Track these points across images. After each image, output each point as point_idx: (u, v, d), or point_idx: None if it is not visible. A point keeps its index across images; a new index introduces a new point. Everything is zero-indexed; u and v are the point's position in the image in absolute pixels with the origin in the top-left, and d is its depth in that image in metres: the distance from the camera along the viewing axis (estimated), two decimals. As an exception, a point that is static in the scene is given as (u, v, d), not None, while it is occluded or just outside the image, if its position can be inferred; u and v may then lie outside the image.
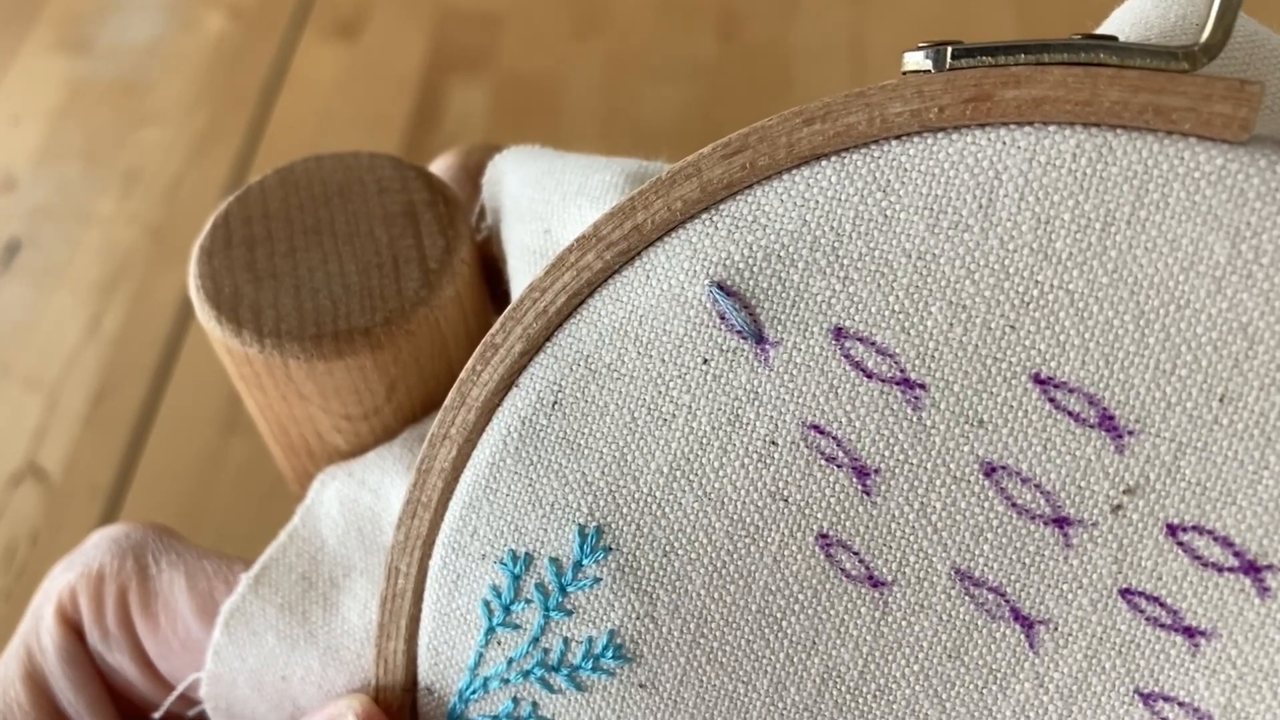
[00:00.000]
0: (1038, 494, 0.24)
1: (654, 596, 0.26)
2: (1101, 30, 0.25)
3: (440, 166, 0.34)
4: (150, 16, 0.72)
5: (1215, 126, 0.21)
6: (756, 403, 0.25)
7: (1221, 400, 0.22)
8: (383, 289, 0.29)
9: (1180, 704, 0.24)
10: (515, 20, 0.70)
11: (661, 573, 0.26)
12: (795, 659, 0.26)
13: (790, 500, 0.25)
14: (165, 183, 0.64)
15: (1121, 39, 0.24)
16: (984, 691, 0.25)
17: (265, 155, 0.65)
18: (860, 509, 0.25)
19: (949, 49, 0.22)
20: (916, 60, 0.23)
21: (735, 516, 0.25)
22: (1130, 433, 0.23)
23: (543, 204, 0.29)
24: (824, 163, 0.23)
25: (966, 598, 0.25)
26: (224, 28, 0.71)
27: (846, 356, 0.24)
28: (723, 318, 0.24)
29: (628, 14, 0.70)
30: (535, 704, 0.27)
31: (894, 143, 0.23)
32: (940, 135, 0.23)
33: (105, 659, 0.30)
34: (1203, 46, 0.21)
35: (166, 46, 0.71)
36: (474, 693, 0.27)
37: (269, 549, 0.29)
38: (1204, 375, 0.22)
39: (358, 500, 0.30)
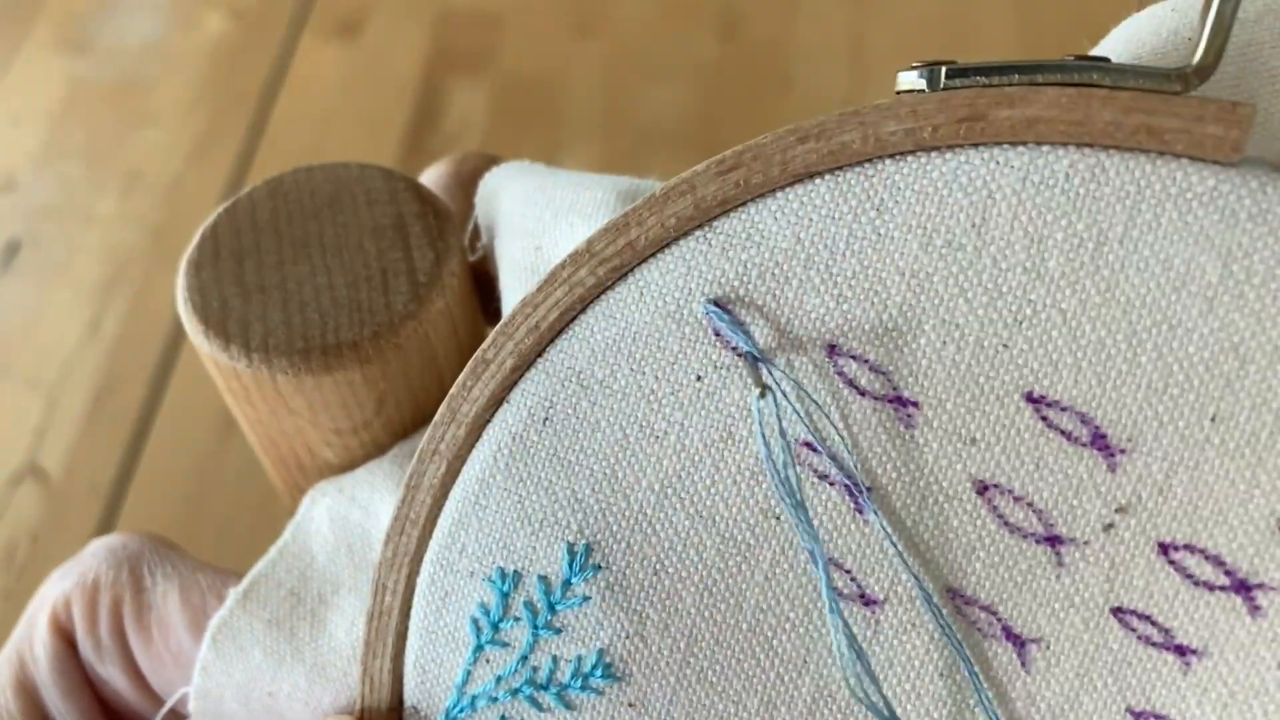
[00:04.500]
0: (1030, 512, 0.24)
1: (644, 615, 0.26)
2: (1097, 50, 0.25)
3: (431, 176, 0.34)
4: (150, 16, 0.72)
5: (1207, 148, 0.21)
6: (749, 420, 0.24)
7: (1213, 419, 0.22)
8: (371, 302, 0.29)
9: None
10: (515, 20, 0.70)
11: (651, 591, 0.26)
12: (786, 678, 0.26)
13: (782, 518, 0.25)
14: (165, 183, 0.64)
15: (1115, 58, 0.24)
16: (975, 711, 0.25)
17: (265, 156, 0.65)
18: (852, 527, 0.25)
19: (943, 69, 0.22)
20: (911, 80, 0.23)
21: (727, 534, 0.25)
22: (1122, 451, 0.23)
23: (534, 221, 0.29)
24: (818, 181, 0.23)
25: (958, 616, 0.25)
26: (224, 28, 0.71)
27: (840, 374, 0.24)
28: (717, 334, 0.24)
29: (628, 14, 0.70)
30: None
31: (888, 161, 0.23)
32: (934, 154, 0.23)
33: (97, 670, 0.30)
34: (1194, 69, 0.22)
35: (166, 47, 0.71)
36: (461, 711, 0.27)
37: (258, 564, 0.29)
38: (1196, 394, 0.22)
39: (348, 517, 0.30)
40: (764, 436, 0.24)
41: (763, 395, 0.24)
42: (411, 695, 0.28)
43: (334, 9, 0.72)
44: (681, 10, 0.70)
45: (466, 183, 0.33)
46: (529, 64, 0.68)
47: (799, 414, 0.24)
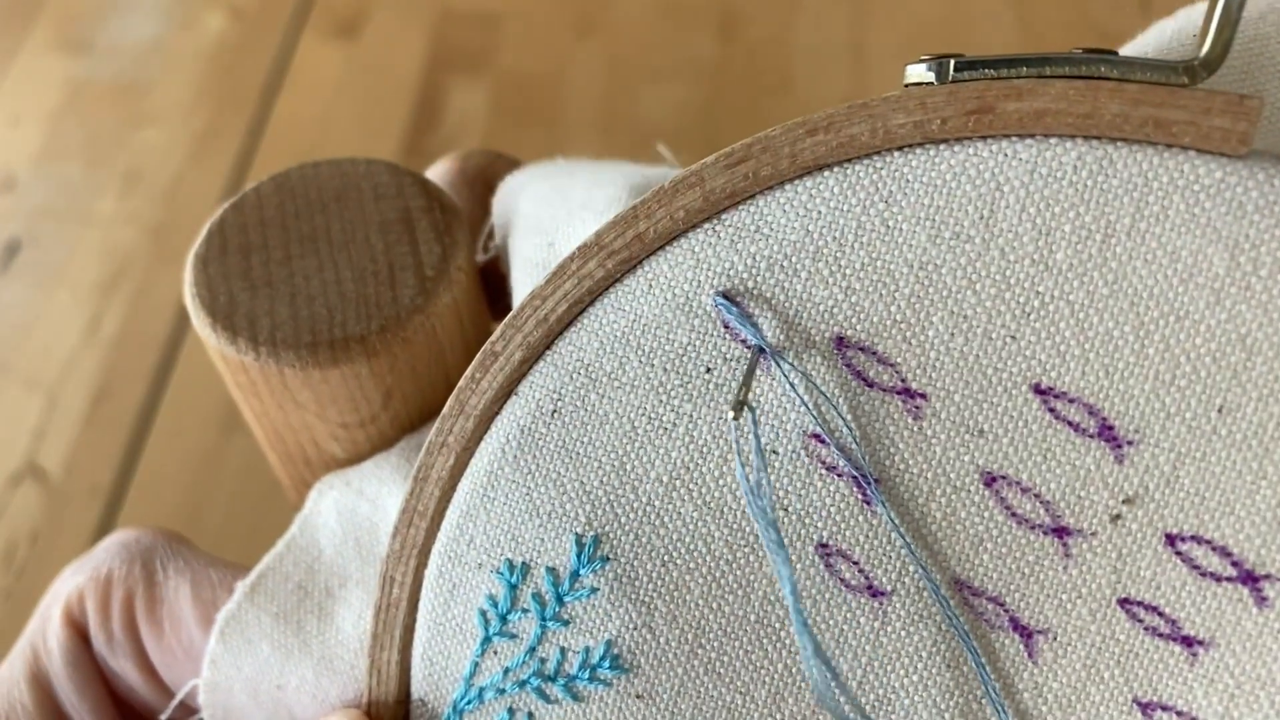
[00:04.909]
0: (1037, 504, 0.24)
1: (652, 606, 0.26)
2: None
3: (437, 172, 0.34)
4: (150, 16, 0.72)
5: (1214, 140, 0.21)
6: (758, 411, 0.25)
7: (1220, 411, 0.22)
8: (378, 296, 0.29)
9: (1178, 713, 0.24)
10: (515, 20, 0.70)
11: (660, 582, 0.26)
12: (794, 670, 0.26)
13: (790, 509, 0.25)
14: (165, 183, 0.64)
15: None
16: (983, 701, 0.25)
17: (265, 155, 0.65)
18: (860, 518, 0.25)
19: (952, 61, 0.22)
20: (919, 73, 0.23)
21: (735, 526, 0.25)
22: (1130, 443, 0.23)
23: (548, 219, 0.29)
24: (827, 173, 0.23)
25: (965, 607, 0.25)
26: (224, 28, 0.71)
27: (848, 365, 0.24)
28: (726, 326, 0.24)
29: (628, 14, 0.70)
30: (531, 714, 0.27)
31: (896, 154, 0.23)
32: (942, 147, 0.23)
33: (109, 663, 0.30)
34: (1202, 61, 0.22)
35: (166, 46, 0.71)
36: (469, 703, 0.27)
37: (265, 558, 0.29)
38: (1203, 386, 0.22)
39: (355, 510, 0.30)
40: (740, 456, 0.24)
41: (737, 415, 0.24)
42: (419, 688, 0.28)
43: (334, 9, 0.72)
44: (681, 10, 0.70)
45: (472, 179, 0.33)
46: (529, 64, 0.68)
47: (807, 406, 0.24)
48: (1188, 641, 0.23)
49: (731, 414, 0.24)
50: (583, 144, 0.64)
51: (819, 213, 0.23)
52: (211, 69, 0.69)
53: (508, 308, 0.32)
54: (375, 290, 0.29)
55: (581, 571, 0.26)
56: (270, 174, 0.32)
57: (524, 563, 0.26)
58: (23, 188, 0.64)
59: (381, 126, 0.65)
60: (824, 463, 0.25)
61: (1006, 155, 0.22)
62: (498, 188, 0.32)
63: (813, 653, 0.23)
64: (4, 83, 0.69)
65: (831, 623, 0.25)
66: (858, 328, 0.24)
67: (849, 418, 0.24)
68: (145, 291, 0.60)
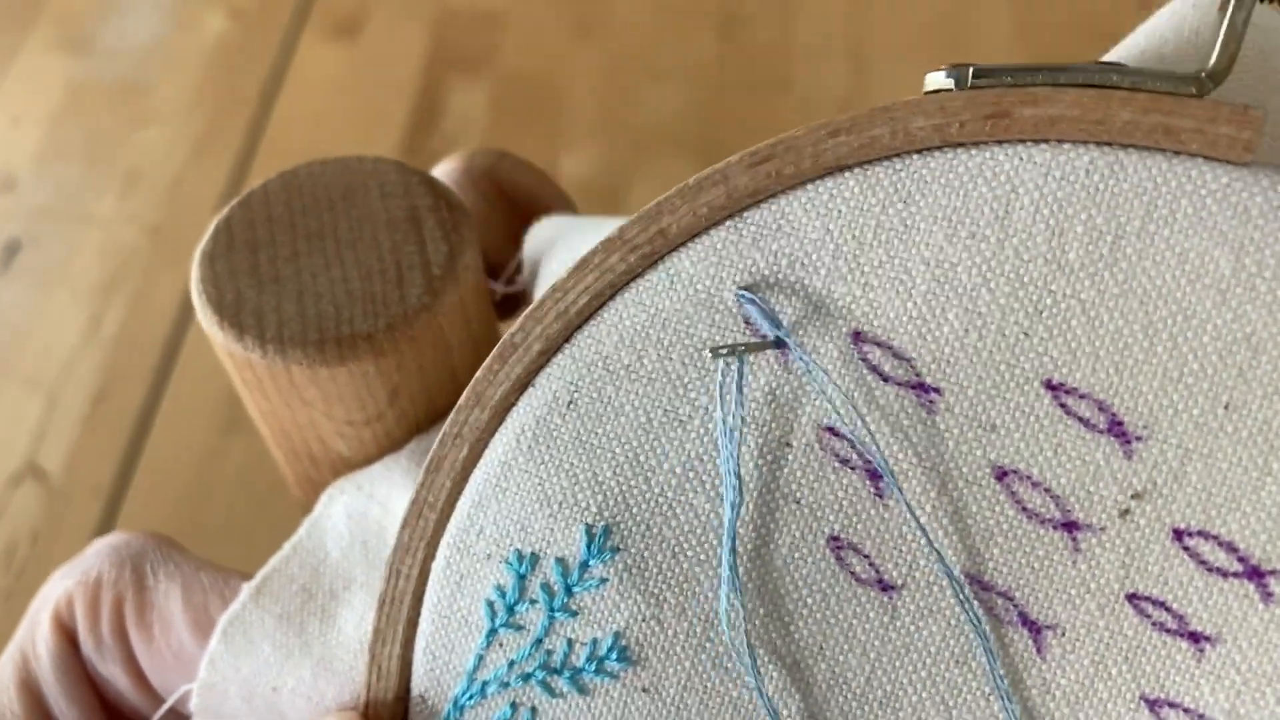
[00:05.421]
0: (1047, 498, 0.24)
1: (661, 598, 0.26)
2: (1121, 48, 0.26)
3: (443, 171, 0.34)
4: (150, 17, 0.72)
5: (1221, 147, 0.22)
6: (773, 404, 0.25)
7: (1226, 408, 0.23)
8: (385, 294, 0.29)
9: (1185, 710, 0.24)
10: (515, 20, 0.70)
11: (669, 574, 0.26)
12: (801, 664, 0.26)
13: (802, 502, 0.25)
14: (165, 183, 0.64)
15: (1138, 54, 0.25)
16: (991, 698, 0.25)
17: (265, 155, 0.65)
18: (872, 512, 0.25)
19: (970, 69, 0.23)
20: (938, 80, 0.23)
21: (745, 518, 0.25)
22: (1139, 438, 0.23)
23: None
24: (848, 174, 0.24)
25: (975, 602, 0.25)
26: (224, 28, 0.71)
27: (864, 360, 0.24)
28: (748, 321, 0.25)
29: (627, 14, 0.70)
30: (534, 709, 0.27)
31: (916, 156, 0.24)
32: (960, 150, 0.23)
33: (98, 668, 0.30)
34: (1209, 73, 0.22)
35: (166, 47, 0.70)
36: (470, 699, 0.27)
37: (272, 560, 0.29)
38: (1210, 383, 0.23)
39: (366, 513, 0.30)
40: (721, 398, 0.24)
41: (716, 355, 0.24)
42: (420, 683, 0.28)
43: (334, 9, 0.72)
44: (681, 10, 0.70)
45: (477, 178, 0.33)
46: (529, 64, 0.68)
47: (826, 397, 0.25)
48: (1195, 637, 0.24)
49: (709, 353, 0.24)
50: (582, 144, 0.64)
51: (839, 211, 0.24)
52: (211, 69, 0.69)
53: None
54: (382, 288, 0.29)
55: (591, 562, 0.26)
56: (270, 174, 0.32)
57: (533, 553, 0.26)
58: (23, 188, 0.64)
59: (381, 126, 0.65)
60: (837, 455, 0.25)
61: (1022, 159, 0.23)
62: (531, 227, 0.32)
63: (727, 583, 0.23)
64: (4, 83, 0.69)
65: (841, 617, 0.25)
66: (874, 323, 0.24)
67: (864, 411, 0.24)
68: (145, 291, 0.60)
